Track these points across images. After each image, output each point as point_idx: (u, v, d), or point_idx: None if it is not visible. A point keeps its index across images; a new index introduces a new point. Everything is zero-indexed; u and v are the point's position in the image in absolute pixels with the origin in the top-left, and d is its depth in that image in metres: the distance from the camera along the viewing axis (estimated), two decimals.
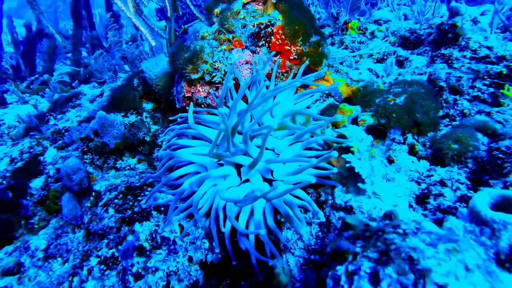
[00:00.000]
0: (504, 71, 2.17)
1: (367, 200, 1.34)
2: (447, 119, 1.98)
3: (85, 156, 2.45)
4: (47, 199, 2.21)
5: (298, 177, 1.54)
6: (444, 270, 0.65)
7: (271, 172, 1.68)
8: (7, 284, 1.76)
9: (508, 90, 2.04)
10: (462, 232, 0.99)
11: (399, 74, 2.60)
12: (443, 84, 2.07)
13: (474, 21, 2.90)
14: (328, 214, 1.42)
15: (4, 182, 2.40)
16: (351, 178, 1.40)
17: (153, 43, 2.64)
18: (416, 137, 1.82)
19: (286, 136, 1.70)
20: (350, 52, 2.69)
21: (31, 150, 2.80)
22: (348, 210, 1.35)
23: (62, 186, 2.09)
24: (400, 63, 2.76)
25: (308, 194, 1.57)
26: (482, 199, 1.11)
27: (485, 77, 2.19)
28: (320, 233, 1.38)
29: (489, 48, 2.32)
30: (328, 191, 1.48)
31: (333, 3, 3.01)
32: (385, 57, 2.83)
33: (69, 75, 6.62)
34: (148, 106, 2.71)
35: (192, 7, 2.21)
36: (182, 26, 3.20)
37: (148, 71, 2.60)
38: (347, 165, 1.33)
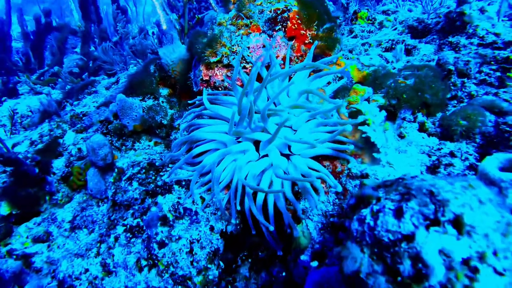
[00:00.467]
0: (511, 56, 2.25)
1: (381, 169, 1.44)
2: (455, 101, 2.06)
3: None
4: (71, 175, 2.32)
5: (316, 151, 1.63)
6: (460, 202, 0.74)
7: (289, 147, 1.77)
8: (38, 250, 1.87)
9: None
10: None
11: (407, 62, 2.68)
12: (451, 67, 2.15)
13: (482, 10, 2.98)
14: (344, 183, 1.52)
15: (28, 161, 2.51)
16: (366, 149, 1.49)
17: (165, 27, 2.75)
18: (425, 116, 1.90)
19: (303, 113, 1.79)
20: (361, 39, 2.78)
21: (51, 133, 2.91)
22: (364, 177, 1.44)
23: (87, 162, 2.20)
24: (408, 52, 2.84)
25: (325, 166, 1.66)
26: (491, 162, 1.20)
27: (492, 62, 2.27)
28: (337, 200, 1.47)
29: (496, 34, 2.40)
30: (344, 162, 1.57)
31: None
32: (393, 46, 2.91)
33: (79, 67, 6.72)
34: (164, 91, 2.81)
35: None
36: (196, 16, 3.30)
37: (166, 57, 2.69)
38: (363, 135, 1.43)
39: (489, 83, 2.16)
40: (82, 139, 2.61)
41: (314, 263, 1.32)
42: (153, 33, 6.84)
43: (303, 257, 1.38)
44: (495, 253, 0.68)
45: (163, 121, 2.57)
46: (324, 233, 1.41)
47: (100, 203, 2.11)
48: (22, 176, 2.16)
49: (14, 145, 3.00)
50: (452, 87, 2.15)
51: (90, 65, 6.03)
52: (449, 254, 0.69)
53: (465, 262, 0.68)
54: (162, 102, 2.73)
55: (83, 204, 2.14)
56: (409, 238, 0.73)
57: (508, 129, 1.50)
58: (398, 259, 0.72)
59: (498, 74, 2.16)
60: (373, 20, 3.24)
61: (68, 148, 2.68)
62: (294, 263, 1.45)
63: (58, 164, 2.58)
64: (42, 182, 2.28)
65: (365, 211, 0.87)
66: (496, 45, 2.35)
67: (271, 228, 1.56)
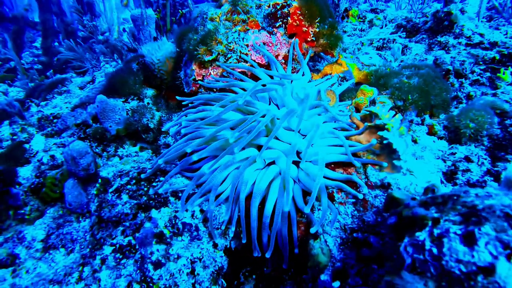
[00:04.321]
0: (497, 56, 2.30)
1: (403, 177, 1.36)
2: (455, 102, 2.06)
3: None
4: (43, 187, 2.01)
5: (329, 157, 1.52)
6: None
7: (297, 153, 1.65)
8: None
9: (503, 74, 2.16)
10: None
11: (401, 61, 2.67)
12: (449, 67, 2.15)
13: (461, 11, 3.05)
14: (363, 193, 1.42)
15: None
16: (386, 155, 1.41)
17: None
18: (431, 118, 1.87)
19: (313, 117, 1.68)
20: (357, 37, 2.72)
21: (15, 137, 2.54)
22: (386, 187, 1.35)
23: (64, 172, 1.91)
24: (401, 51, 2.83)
25: None
26: None
27: (481, 62, 2.30)
28: (356, 212, 1.38)
29: (481, 35, 2.44)
30: (360, 170, 1.47)
31: None
32: (385, 45, 2.89)
33: (42, 63, 6.06)
34: (149, 92, 2.56)
35: None
36: (180, 11, 3.05)
37: (150, 55, 2.44)
38: (385, 141, 1.34)
39: (481, 83, 2.18)
40: (55, 144, 2.29)
41: (336, 284, 1.22)
42: (124, 29, 6.23)
43: (323, 277, 1.27)
44: None
45: (149, 124, 2.33)
46: (344, 249, 1.30)
47: (80, 218, 1.85)
48: None
49: None
50: (451, 87, 2.15)
51: (55, 61, 5.44)
52: None
53: None
54: (148, 103, 2.48)
55: (60, 219, 1.86)
56: (488, 270, 0.64)
57: None
58: None
59: (488, 74, 2.19)
60: (363, 18, 3.21)
61: (37, 155, 2.35)
62: (312, 283, 1.33)
63: (25, 173, 2.25)
64: (4, 195, 1.96)
65: (422, 235, 0.77)
66: (483, 45, 2.39)
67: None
